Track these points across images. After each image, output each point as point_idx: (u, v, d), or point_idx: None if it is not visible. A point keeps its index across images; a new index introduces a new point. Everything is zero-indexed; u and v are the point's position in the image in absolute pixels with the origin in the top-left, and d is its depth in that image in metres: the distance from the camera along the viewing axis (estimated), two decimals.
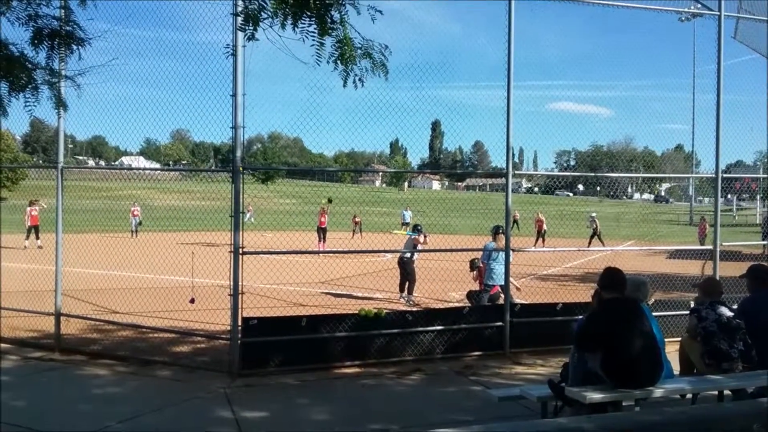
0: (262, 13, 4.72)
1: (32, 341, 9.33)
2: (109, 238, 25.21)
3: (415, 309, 11.68)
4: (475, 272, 11.89)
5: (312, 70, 5.09)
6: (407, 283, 13.97)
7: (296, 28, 4.80)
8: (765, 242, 19.65)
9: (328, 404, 7.11)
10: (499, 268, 10.69)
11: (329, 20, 4.85)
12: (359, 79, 5.22)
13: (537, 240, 31.76)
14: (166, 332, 9.52)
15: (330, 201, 27.41)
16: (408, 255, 13.88)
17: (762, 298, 6.63)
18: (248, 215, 22.61)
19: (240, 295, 7.97)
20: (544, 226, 32.37)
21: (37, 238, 24.56)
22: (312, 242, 25.74)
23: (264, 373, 8.03)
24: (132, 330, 9.71)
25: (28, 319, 9.65)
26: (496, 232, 11.24)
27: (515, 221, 37.64)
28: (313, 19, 4.79)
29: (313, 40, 4.88)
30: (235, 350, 8.01)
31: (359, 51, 5.12)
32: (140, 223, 32.19)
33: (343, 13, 4.95)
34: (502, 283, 10.10)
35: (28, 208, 25.24)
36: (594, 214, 31.94)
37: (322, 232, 26.71)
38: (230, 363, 8.04)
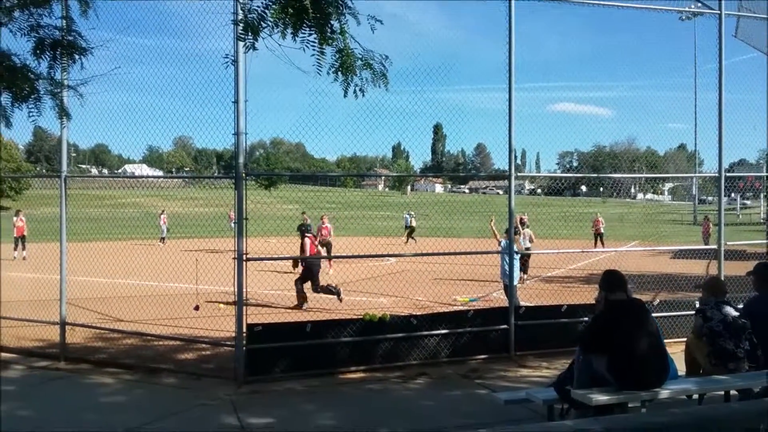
0: (262, 23, 4.73)
1: (38, 351, 9.35)
2: (113, 246, 25.25)
3: (419, 313, 11.67)
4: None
5: (313, 76, 5.11)
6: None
7: (296, 38, 4.82)
8: None
9: (334, 410, 7.11)
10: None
11: (329, 30, 4.87)
12: (360, 90, 5.25)
13: (596, 242, 30.92)
14: (171, 340, 9.53)
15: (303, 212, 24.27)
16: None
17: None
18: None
19: (244, 302, 7.97)
20: (602, 228, 31.53)
21: (24, 248, 24.51)
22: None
23: (269, 379, 8.03)
24: (137, 338, 9.72)
25: (33, 329, 9.67)
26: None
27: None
28: (313, 28, 4.80)
29: (314, 49, 4.90)
30: (240, 357, 8.01)
31: (360, 62, 5.14)
32: (168, 230, 33.50)
33: (342, 23, 4.96)
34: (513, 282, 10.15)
35: (14, 218, 25.27)
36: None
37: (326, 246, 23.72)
38: (236, 370, 8.03)
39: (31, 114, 5.82)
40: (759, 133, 11.32)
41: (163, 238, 32.93)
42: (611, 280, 5.88)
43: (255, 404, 7.22)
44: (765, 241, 20.30)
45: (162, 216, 33.77)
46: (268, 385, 7.90)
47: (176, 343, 9.51)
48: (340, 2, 4.94)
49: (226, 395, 7.48)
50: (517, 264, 10.14)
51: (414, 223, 33.79)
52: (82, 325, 9.70)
